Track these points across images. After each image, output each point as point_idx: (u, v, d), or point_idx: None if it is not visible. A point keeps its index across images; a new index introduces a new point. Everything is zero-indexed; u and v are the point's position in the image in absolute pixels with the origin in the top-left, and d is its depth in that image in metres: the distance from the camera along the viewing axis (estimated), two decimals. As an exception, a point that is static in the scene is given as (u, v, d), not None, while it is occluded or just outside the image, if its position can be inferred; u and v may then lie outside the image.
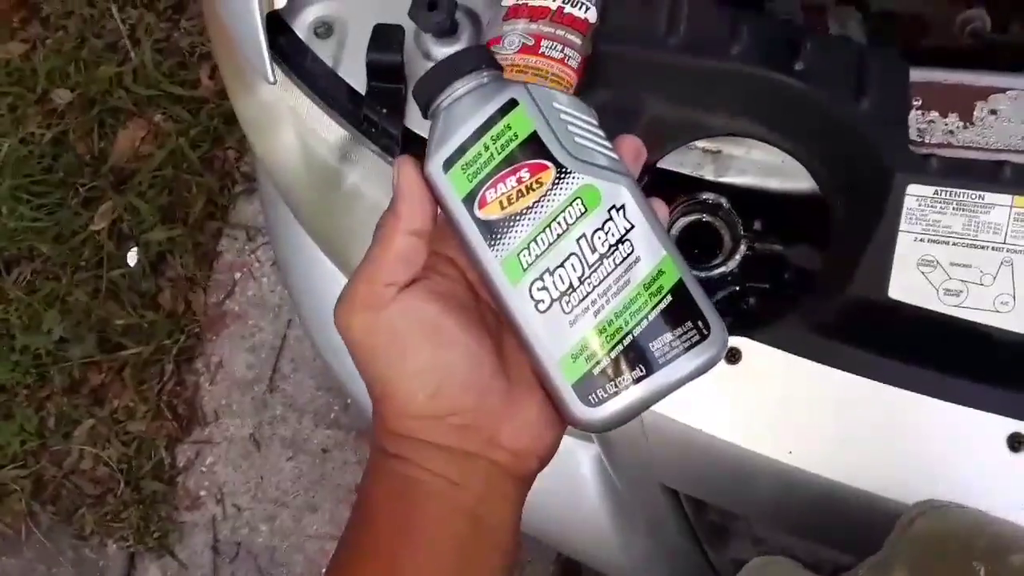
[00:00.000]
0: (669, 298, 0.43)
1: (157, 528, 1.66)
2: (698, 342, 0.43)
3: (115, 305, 1.77)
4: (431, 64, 0.46)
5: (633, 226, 0.43)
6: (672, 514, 0.75)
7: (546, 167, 0.43)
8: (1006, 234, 0.59)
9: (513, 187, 0.43)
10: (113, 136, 1.86)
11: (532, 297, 0.43)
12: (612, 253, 0.43)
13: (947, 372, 0.61)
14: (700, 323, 0.43)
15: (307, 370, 1.70)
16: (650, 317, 0.43)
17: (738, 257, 0.67)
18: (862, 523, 0.63)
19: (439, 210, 0.45)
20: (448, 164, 0.44)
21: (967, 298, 0.60)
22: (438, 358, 0.44)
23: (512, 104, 0.43)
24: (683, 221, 0.69)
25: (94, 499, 1.72)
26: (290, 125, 0.83)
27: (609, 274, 0.43)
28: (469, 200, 0.43)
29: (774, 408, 0.65)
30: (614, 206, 0.43)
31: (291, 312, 1.70)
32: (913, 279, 0.61)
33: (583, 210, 0.43)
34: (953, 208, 0.60)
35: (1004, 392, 0.60)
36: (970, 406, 0.60)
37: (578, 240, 0.43)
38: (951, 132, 0.62)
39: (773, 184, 0.68)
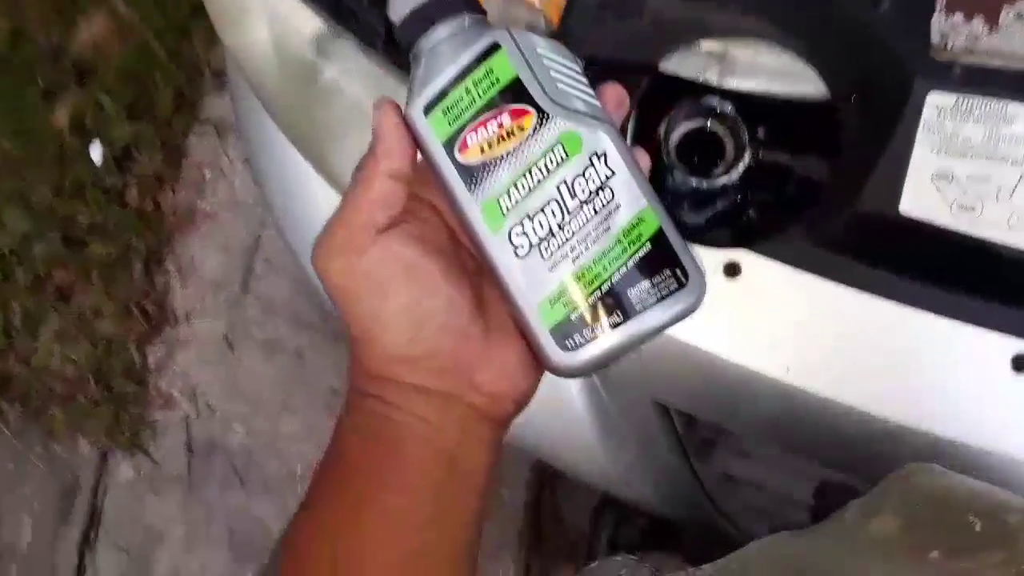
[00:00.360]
0: (648, 246, 0.43)
1: (129, 427, 1.65)
2: (676, 290, 0.43)
3: (79, 203, 1.71)
4: None
5: (614, 173, 0.43)
6: (661, 430, 0.73)
7: (528, 112, 0.43)
8: (1029, 148, 0.56)
9: (494, 132, 0.43)
10: (74, 26, 1.77)
11: (511, 242, 0.43)
12: (592, 200, 0.43)
13: (954, 289, 0.59)
14: (679, 271, 0.43)
15: (282, 271, 1.66)
16: (629, 265, 0.43)
17: (741, 167, 0.64)
18: (859, 442, 0.62)
19: (420, 154, 0.45)
20: (429, 108, 0.43)
21: (981, 214, 0.57)
22: (417, 301, 0.44)
23: (494, 48, 0.43)
24: (684, 127, 0.66)
25: (63, 398, 1.70)
26: (262, 16, 0.77)
27: (589, 221, 0.43)
28: (449, 144, 0.43)
29: (773, 324, 0.63)
30: (595, 153, 0.43)
31: (265, 212, 1.66)
32: (926, 193, 0.58)
33: (564, 156, 0.43)
34: (974, 119, 0.56)
35: (1011, 311, 0.58)
36: (976, 324, 0.59)
37: (558, 186, 0.43)
38: (976, 37, 0.58)
39: (781, 89, 0.64)
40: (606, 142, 0.43)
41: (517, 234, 0.43)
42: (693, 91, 0.66)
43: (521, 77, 0.43)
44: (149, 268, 1.71)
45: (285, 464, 1.61)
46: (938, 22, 0.59)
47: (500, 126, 0.42)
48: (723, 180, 0.64)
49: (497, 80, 0.43)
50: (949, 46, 0.58)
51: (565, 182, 0.42)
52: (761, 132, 0.65)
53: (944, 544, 0.46)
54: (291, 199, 0.96)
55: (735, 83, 0.65)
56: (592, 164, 0.43)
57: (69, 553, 1.61)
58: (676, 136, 0.66)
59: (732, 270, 0.63)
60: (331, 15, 0.72)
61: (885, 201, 0.59)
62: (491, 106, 0.43)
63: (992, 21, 0.58)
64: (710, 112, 0.65)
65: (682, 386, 0.67)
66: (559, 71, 0.44)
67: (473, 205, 0.43)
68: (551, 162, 0.42)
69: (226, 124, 1.73)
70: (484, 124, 0.43)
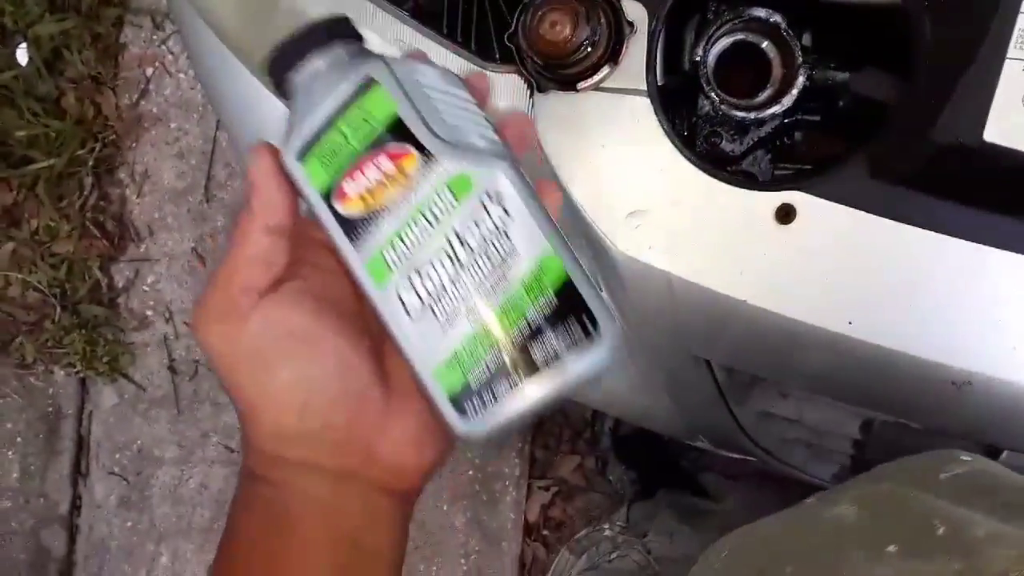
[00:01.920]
0: (552, 297, 0.38)
1: (106, 352, 1.57)
2: (585, 343, 0.38)
3: (12, 113, 1.56)
4: None
5: (510, 216, 0.38)
6: (697, 378, 0.67)
7: (409, 153, 0.38)
8: None
9: (374, 178, 0.38)
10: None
11: (401, 300, 0.39)
12: (486, 248, 0.38)
13: (1044, 227, 0.52)
14: (587, 322, 0.38)
15: (244, 176, 1.54)
16: (530, 319, 0.38)
17: (794, 92, 0.55)
18: (928, 394, 0.56)
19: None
20: (303, 153, 0.39)
21: (1082, 141, 0.49)
22: (307, 371, 0.40)
23: (370, 84, 0.38)
24: (724, 43, 0.56)
25: (30, 326, 1.60)
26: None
27: (484, 273, 0.38)
28: (327, 194, 0.39)
29: (834, 273, 0.55)
30: (487, 193, 0.38)
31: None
32: (1017, 118, 0.50)
33: (453, 202, 0.38)
34: (1085, 31, 0.47)
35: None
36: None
37: (447, 236, 0.38)
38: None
39: (835, -9, 0.54)
40: (500, 180, 0.38)
41: (406, 290, 0.38)
42: (729, -1, 0.56)
43: (401, 114, 0.38)
44: (100, 180, 1.58)
45: (274, 376, 1.55)
46: (1035, -96, 0.49)
47: (379, 170, 0.38)
48: (773, 109, 0.55)
49: (374, 119, 0.38)
50: (1049, -65, 0.48)
51: (455, 230, 0.38)
52: (813, 44, 0.56)
53: (903, 540, 0.42)
54: (250, 128, 0.84)
55: (779, -15, 0.55)
56: (485, 208, 0.38)
57: (62, 484, 1.57)
58: (713, 55, 0.56)
59: (785, 214, 0.55)
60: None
61: (967, 128, 0.50)
62: (369, 149, 0.38)
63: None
64: (755, 24, 0.55)
65: (727, 342, 0.60)
66: (447, 103, 0.39)
67: (357, 260, 0.39)
68: (438, 208, 0.38)
69: (161, 12, 1.56)
70: (361, 170, 0.38)
